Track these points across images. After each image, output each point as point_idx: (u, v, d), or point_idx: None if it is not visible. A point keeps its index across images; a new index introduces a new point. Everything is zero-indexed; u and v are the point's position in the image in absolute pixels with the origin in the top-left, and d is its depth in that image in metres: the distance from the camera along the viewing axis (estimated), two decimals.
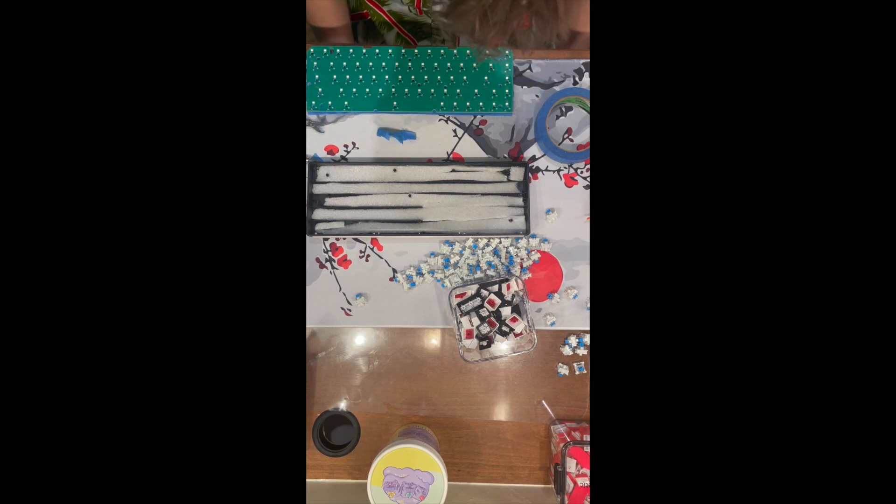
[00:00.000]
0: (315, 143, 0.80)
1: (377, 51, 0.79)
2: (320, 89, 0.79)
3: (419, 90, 0.79)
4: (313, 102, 0.79)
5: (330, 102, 0.79)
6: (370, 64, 0.79)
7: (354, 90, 0.79)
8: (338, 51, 0.79)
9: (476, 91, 0.79)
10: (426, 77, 0.79)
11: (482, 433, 0.79)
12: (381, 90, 0.79)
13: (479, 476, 0.78)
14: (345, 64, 0.79)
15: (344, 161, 0.80)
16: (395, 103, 0.79)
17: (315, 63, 0.79)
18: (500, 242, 0.79)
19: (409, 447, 0.67)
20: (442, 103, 0.79)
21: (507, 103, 0.79)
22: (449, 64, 0.80)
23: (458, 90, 0.79)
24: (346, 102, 0.79)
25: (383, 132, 0.80)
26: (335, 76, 0.79)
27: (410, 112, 0.80)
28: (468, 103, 0.79)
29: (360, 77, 0.79)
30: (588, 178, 0.80)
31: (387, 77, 0.79)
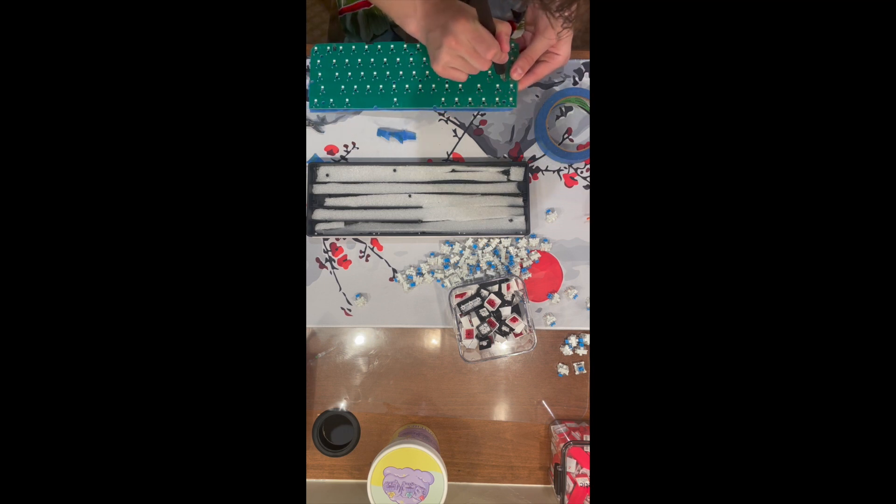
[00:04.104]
0: (315, 143, 0.80)
1: (379, 46, 0.79)
2: (322, 87, 0.79)
3: (420, 85, 0.79)
4: (315, 100, 0.79)
5: (332, 100, 0.79)
6: (371, 60, 0.79)
7: (356, 87, 0.79)
8: (340, 48, 0.79)
9: (479, 86, 0.78)
10: (427, 72, 0.79)
11: (482, 433, 0.79)
12: (381, 86, 0.79)
13: (479, 476, 0.78)
14: (347, 61, 0.79)
15: (344, 161, 0.80)
16: (395, 99, 0.79)
17: (318, 61, 0.79)
18: (500, 242, 0.79)
19: (409, 447, 0.67)
20: (443, 98, 0.79)
21: (511, 98, 0.78)
22: None
23: (460, 85, 0.78)
24: (347, 99, 0.79)
25: (383, 132, 0.80)
26: (337, 73, 0.79)
27: (411, 108, 0.79)
28: (470, 98, 0.78)
29: (362, 73, 0.79)
30: (588, 178, 0.80)
31: (388, 73, 0.79)
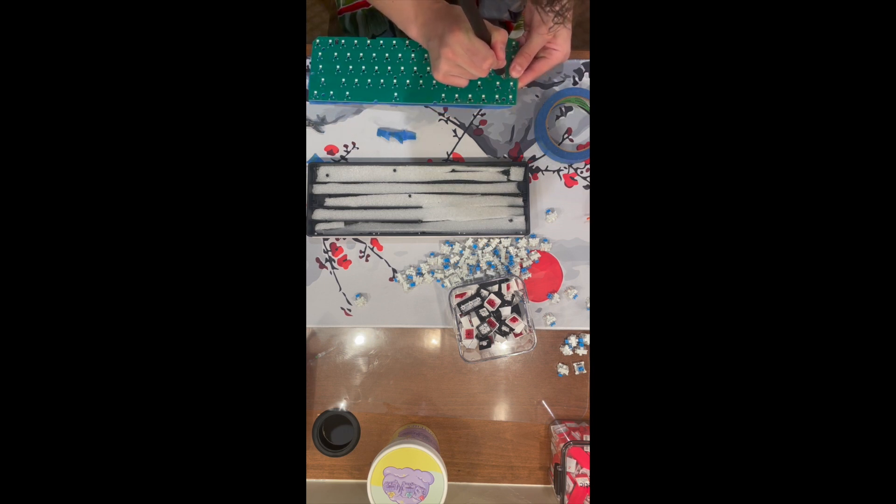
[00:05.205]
0: (315, 143, 0.80)
1: (381, 41, 0.79)
2: (323, 79, 0.79)
3: (421, 81, 0.79)
4: (315, 92, 0.79)
5: (332, 92, 0.79)
6: (373, 55, 0.79)
7: (356, 80, 0.79)
8: (342, 41, 0.79)
9: (479, 83, 0.78)
10: (428, 68, 0.79)
11: (482, 433, 0.79)
12: (382, 81, 0.79)
13: (479, 476, 0.78)
14: (348, 54, 0.79)
15: (344, 161, 0.80)
16: (395, 94, 0.79)
17: (319, 53, 0.79)
18: (500, 242, 0.79)
19: (409, 447, 0.67)
20: (443, 95, 0.79)
21: (510, 96, 0.78)
22: None
23: None
24: (347, 93, 0.79)
25: (383, 132, 0.80)
26: (338, 66, 0.79)
27: (411, 103, 0.79)
28: (470, 95, 0.78)
29: (363, 68, 0.79)
30: (588, 178, 0.80)
31: (389, 68, 0.79)
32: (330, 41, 0.79)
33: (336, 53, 0.79)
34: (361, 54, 0.79)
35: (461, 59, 0.68)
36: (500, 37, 0.68)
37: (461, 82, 0.72)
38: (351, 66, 0.79)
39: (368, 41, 0.79)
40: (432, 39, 0.70)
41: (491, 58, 0.67)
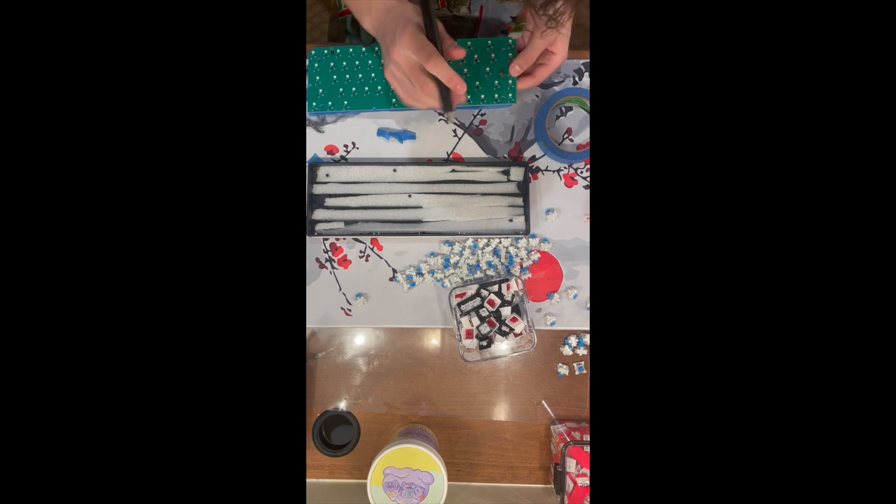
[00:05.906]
0: (315, 143, 0.80)
1: (376, 48, 0.79)
2: (321, 90, 0.79)
3: None
4: (314, 104, 0.79)
5: (330, 103, 0.79)
6: (369, 62, 0.79)
7: (354, 89, 0.79)
8: (338, 51, 0.79)
9: (477, 83, 0.78)
10: None
11: (482, 433, 0.79)
12: (380, 87, 0.79)
13: (479, 476, 0.78)
14: (345, 63, 0.79)
15: (344, 161, 0.80)
16: (394, 100, 0.78)
17: (316, 65, 0.79)
18: (500, 242, 0.79)
19: (409, 447, 0.67)
20: None
21: (510, 94, 0.77)
22: None
23: None
24: (345, 102, 0.79)
25: (383, 132, 0.80)
26: (335, 76, 0.79)
27: (409, 109, 0.79)
28: (469, 96, 0.78)
29: (360, 76, 0.79)
30: (588, 178, 0.80)
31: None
32: (325, 52, 0.79)
33: (332, 64, 0.79)
34: (357, 62, 0.79)
35: (406, 65, 0.65)
36: (453, 53, 0.65)
37: (400, 92, 0.69)
38: (348, 75, 0.79)
39: (364, 49, 0.79)
40: (386, 34, 0.67)
41: (430, 97, 0.66)
